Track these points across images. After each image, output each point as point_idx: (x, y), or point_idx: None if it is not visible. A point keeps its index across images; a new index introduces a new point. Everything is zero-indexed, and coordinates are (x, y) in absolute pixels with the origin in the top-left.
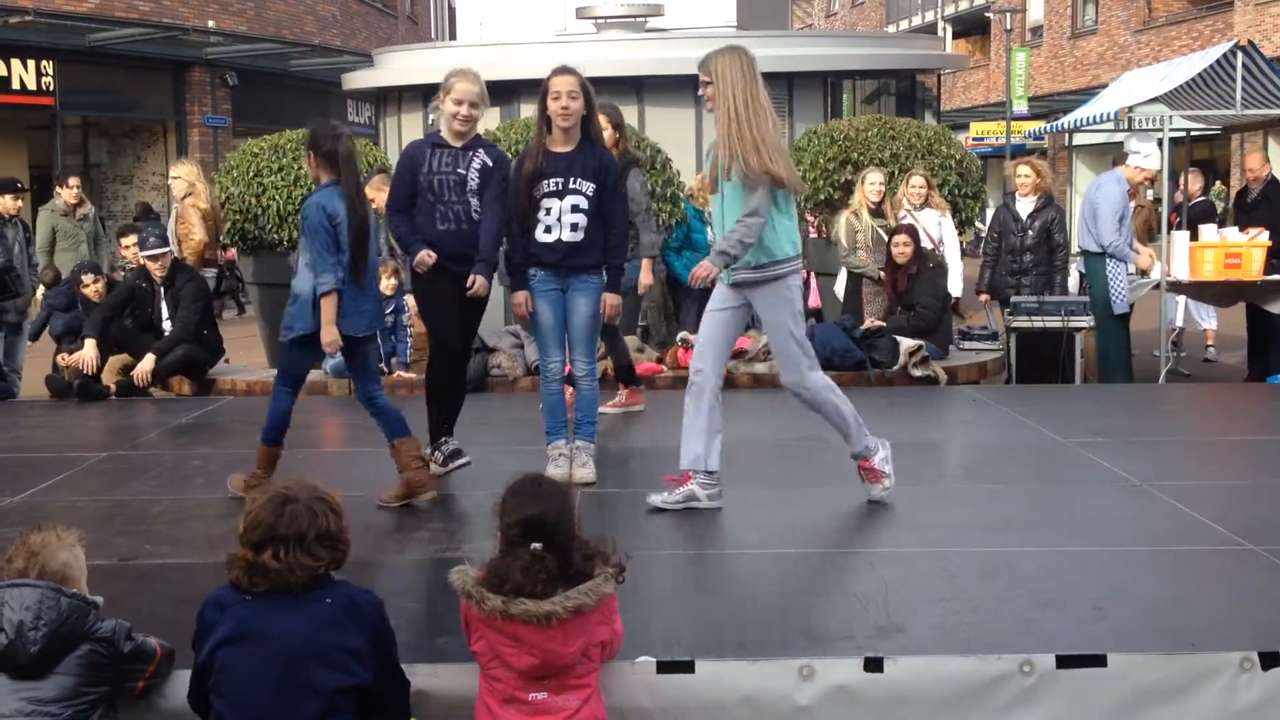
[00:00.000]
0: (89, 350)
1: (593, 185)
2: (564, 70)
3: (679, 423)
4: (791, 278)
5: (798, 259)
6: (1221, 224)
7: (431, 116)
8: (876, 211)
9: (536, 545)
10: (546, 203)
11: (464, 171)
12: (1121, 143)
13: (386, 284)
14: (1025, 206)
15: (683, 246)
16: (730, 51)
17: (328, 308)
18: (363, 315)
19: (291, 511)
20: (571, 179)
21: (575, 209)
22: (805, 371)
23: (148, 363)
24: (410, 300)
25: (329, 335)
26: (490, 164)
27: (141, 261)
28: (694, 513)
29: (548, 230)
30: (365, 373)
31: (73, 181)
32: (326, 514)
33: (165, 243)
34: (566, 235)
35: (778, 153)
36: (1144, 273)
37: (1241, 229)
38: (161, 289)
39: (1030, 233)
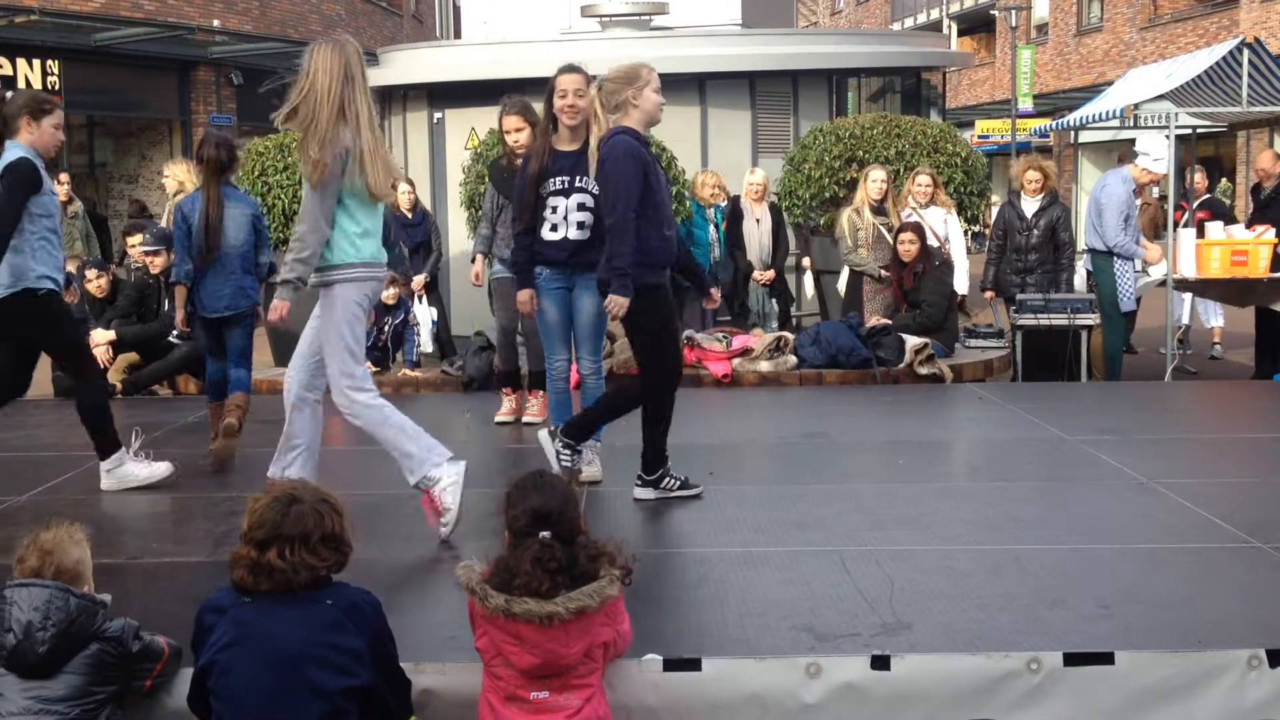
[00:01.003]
0: (100, 336)
1: (598, 184)
2: (570, 69)
3: (686, 421)
4: (343, 286)
5: (362, 267)
6: (1230, 220)
7: (437, 116)
8: (878, 209)
9: (545, 534)
10: (553, 201)
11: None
12: (1127, 140)
13: (388, 293)
14: (1030, 205)
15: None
16: (329, 44)
17: (179, 296)
18: (217, 298)
19: (297, 511)
20: (578, 177)
21: (581, 207)
22: (350, 393)
23: (105, 336)
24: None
25: (178, 317)
26: None
27: (142, 259)
28: (702, 510)
29: (554, 229)
30: (227, 350)
31: (62, 178)
32: (331, 515)
33: (159, 240)
34: (573, 234)
35: (349, 158)
36: (1145, 266)
37: (1249, 225)
38: (163, 283)
39: (1035, 231)
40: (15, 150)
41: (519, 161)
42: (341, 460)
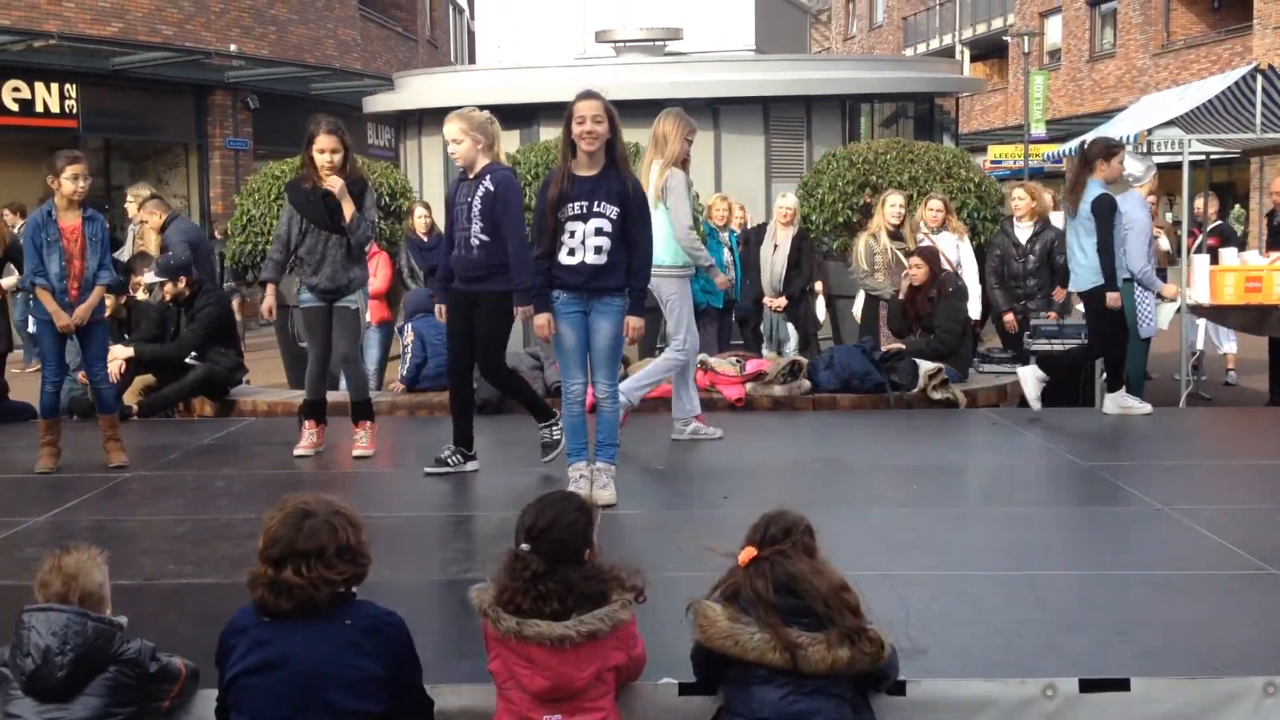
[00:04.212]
0: (119, 352)
1: (616, 209)
2: (588, 95)
3: (700, 444)
4: None
5: None
6: (1243, 246)
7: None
8: (895, 234)
9: (525, 546)
10: (571, 225)
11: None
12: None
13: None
14: (1024, 232)
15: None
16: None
17: (46, 301)
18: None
19: (310, 526)
20: (595, 202)
21: (599, 232)
22: None
23: (124, 351)
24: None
25: (60, 320)
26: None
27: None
28: (717, 535)
29: (571, 253)
30: (88, 354)
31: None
32: (346, 528)
33: (165, 272)
34: (590, 258)
35: None
36: (1161, 297)
37: (1265, 251)
38: (182, 309)
39: (1031, 257)
40: (1097, 187)
41: (326, 183)
42: (358, 482)
